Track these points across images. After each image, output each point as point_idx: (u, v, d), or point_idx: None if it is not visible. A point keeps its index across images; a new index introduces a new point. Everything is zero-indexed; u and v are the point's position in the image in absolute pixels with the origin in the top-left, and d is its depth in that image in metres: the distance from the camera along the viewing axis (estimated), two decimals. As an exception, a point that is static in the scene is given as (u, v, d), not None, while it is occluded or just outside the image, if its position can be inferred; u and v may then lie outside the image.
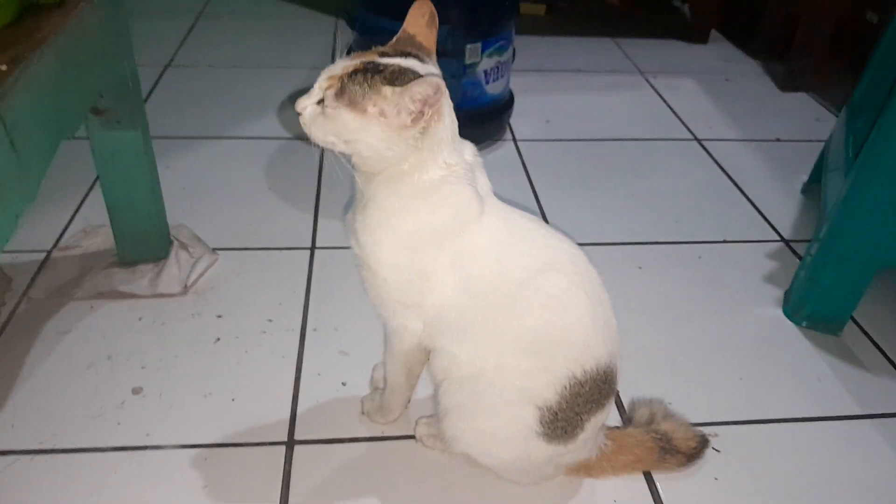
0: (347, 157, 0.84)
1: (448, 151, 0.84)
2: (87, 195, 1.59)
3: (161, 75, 2.21)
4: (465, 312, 0.88)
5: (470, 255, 0.86)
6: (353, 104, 0.78)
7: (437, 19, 0.87)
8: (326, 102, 0.79)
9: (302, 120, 0.82)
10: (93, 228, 1.46)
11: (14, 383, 1.12)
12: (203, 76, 2.25)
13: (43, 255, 1.40)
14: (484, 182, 0.90)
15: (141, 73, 1.22)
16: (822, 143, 1.73)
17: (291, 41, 2.55)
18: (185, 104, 2.06)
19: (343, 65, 0.80)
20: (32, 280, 1.33)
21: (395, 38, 0.86)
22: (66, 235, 1.46)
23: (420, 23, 0.86)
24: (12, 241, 1.38)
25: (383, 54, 0.82)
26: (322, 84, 0.80)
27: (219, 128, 1.93)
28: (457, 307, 0.88)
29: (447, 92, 0.83)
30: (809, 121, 2.19)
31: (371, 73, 0.78)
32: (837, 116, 1.73)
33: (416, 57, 0.83)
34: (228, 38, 2.56)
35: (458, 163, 0.86)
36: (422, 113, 0.78)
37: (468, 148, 0.90)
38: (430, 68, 0.83)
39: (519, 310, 0.86)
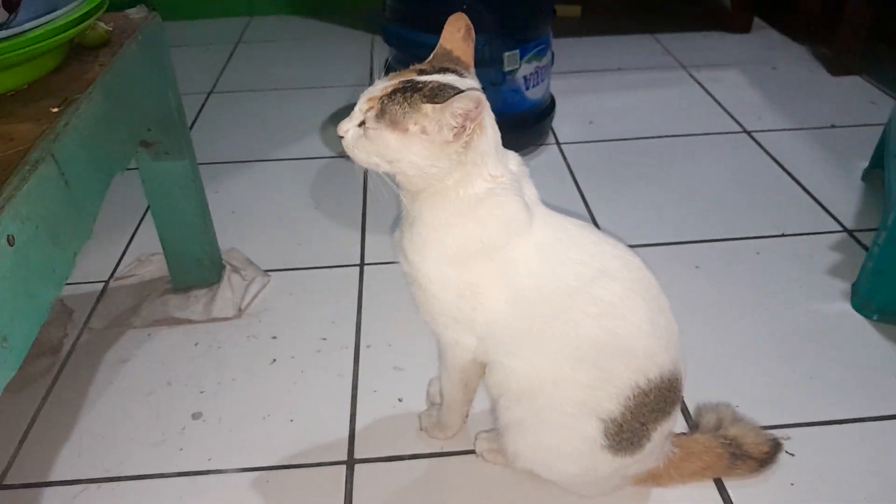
0: (392, 177, 0.84)
1: (492, 163, 0.83)
2: (139, 225, 1.63)
3: (204, 103, 2.26)
4: (519, 325, 0.86)
5: (520, 266, 0.85)
6: (394, 124, 0.78)
7: (473, 32, 0.86)
8: (367, 124, 0.79)
9: (344, 143, 0.82)
10: (147, 257, 1.49)
11: (79, 413, 1.15)
12: (245, 101, 2.29)
13: (100, 285, 1.43)
14: (531, 191, 0.89)
15: (185, 101, 1.24)
16: (880, 127, 1.65)
17: (329, 60, 2.58)
18: (230, 129, 2.10)
19: (382, 86, 0.80)
20: (92, 311, 1.36)
21: (432, 55, 0.86)
22: (122, 265, 1.50)
23: (456, 37, 0.86)
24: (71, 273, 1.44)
25: (421, 72, 0.82)
26: (362, 106, 0.80)
27: (263, 151, 1.96)
28: (509, 320, 0.86)
29: (488, 105, 0.82)
30: (864, 104, 2.10)
31: (410, 92, 0.77)
32: (895, 98, 1.66)
33: (454, 72, 0.82)
34: (268, 62, 2.60)
35: (504, 174, 0.84)
36: (464, 128, 0.77)
37: (513, 158, 0.88)
38: (469, 82, 0.82)
39: (574, 320, 0.84)
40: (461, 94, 0.74)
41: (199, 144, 1.97)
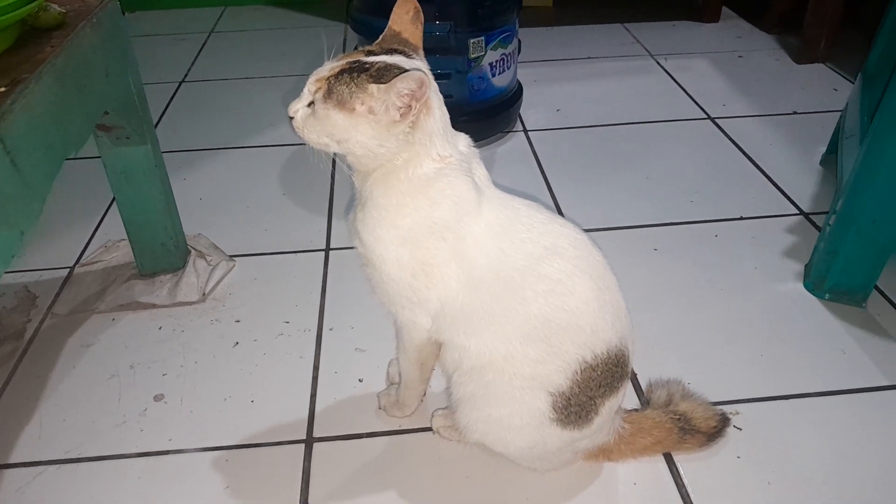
0: (343, 159, 0.85)
1: (441, 144, 0.84)
2: (107, 211, 1.63)
3: (176, 91, 2.25)
4: (471, 303, 0.88)
5: (471, 245, 0.86)
6: (341, 104, 0.79)
7: (421, 15, 0.87)
8: (316, 105, 0.81)
9: (294, 123, 0.83)
10: (113, 243, 1.50)
11: (41, 396, 1.15)
12: (217, 90, 2.29)
13: (66, 271, 1.44)
14: (481, 172, 0.91)
15: (156, 89, 1.25)
16: (840, 113, 1.69)
17: (302, 50, 2.58)
18: (200, 118, 2.10)
19: (330, 66, 0.82)
20: (56, 296, 1.37)
21: (381, 37, 0.87)
22: (88, 251, 1.50)
23: (405, 19, 0.87)
24: (36, 259, 1.44)
25: (369, 53, 0.83)
26: (311, 87, 0.82)
27: (234, 138, 1.97)
28: (462, 299, 0.88)
29: (434, 85, 0.84)
30: (827, 91, 2.14)
31: (357, 73, 0.78)
32: (855, 84, 1.69)
33: (402, 53, 0.84)
34: (240, 52, 2.60)
35: (453, 154, 0.86)
36: (410, 107, 0.78)
37: (462, 139, 0.90)
38: (415, 63, 0.83)
39: (523, 297, 0.86)
40: (405, 74, 0.76)
41: (170, 132, 1.99)
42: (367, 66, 0.79)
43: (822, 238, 1.35)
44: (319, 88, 0.81)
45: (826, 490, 0.99)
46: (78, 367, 1.21)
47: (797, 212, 1.58)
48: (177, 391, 1.16)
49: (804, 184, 1.68)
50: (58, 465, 1.04)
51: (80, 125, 0.95)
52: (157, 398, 1.15)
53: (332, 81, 0.79)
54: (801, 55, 2.32)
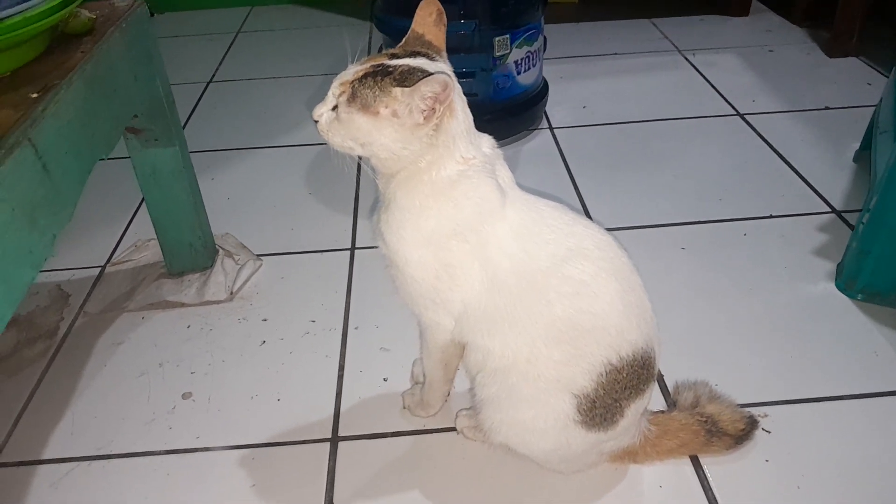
0: (367, 161, 0.86)
1: (464, 145, 0.84)
2: (137, 211, 1.66)
3: (204, 92, 2.28)
4: (494, 305, 0.88)
5: (494, 247, 0.86)
6: (365, 107, 0.79)
7: (444, 17, 0.87)
8: (340, 108, 0.81)
9: (319, 127, 0.84)
10: (143, 243, 1.52)
11: (72, 394, 1.18)
12: (244, 90, 2.31)
13: (97, 270, 1.46)
14: (505, 174, 0.90)
15: (184, 90, 1.27)
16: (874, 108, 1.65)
17: (327, 49, 2.59)
18: (227, 118, 2.12)
19: (354, 70, 0.82)
20: (88, 295, 1.40)
21: (404, 40, 0.87)
22: (119, 251, 1.53)
23: (428, 21, 0.87)
24: (69, 258, 1.47)
25: (393, 56, 0.83)
26: (335, 90, 0.82)
27: (261, 138, 1.98)
28: (485, 300, 0.88)
29: (458, 87, 0.83)
30: (861, 85, 2.10)
31: (380, 76, 0.79)
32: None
33: (425, 56, 0.84)
34: (267, 51, 2.62)
35: (476, 156, 0.86)
36: (433, 110, 0.78)
37: (486, 141, 0.90)
38: (439, 66, 0.83)
39: (547, 299, 0.85)
40: (429, 77, 0.76)
41: (198, 133, 2.02)
42: (391, 69, 0.80)
43: (854, 237, 1.32)
44: (343, 92, 0.81)
45: (857, 496, 0.97)
46: (109, 365, 1.24)
47: (829, 210, 1.55)
48: (205, 389, 1.18)
49: (836, 181, 1.64)
50: (89, 462, 1.06)
51: (109, 129, 0.96)
52: (186, 396, 1.17)
53: (356, 85, 0.80)
54: (833, 49, 2.28)
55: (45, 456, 1.07)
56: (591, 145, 1.86)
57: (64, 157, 0.80)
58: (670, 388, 1.13)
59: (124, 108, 1.04)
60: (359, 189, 1.71)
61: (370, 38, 2.66)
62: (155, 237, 1.41)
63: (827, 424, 1.07)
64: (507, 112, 1.80)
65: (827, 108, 1.98)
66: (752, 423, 1.03)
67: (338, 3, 3.01)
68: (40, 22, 0.84)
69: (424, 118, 0.79)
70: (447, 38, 0.89)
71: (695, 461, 1.02)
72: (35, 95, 0.78)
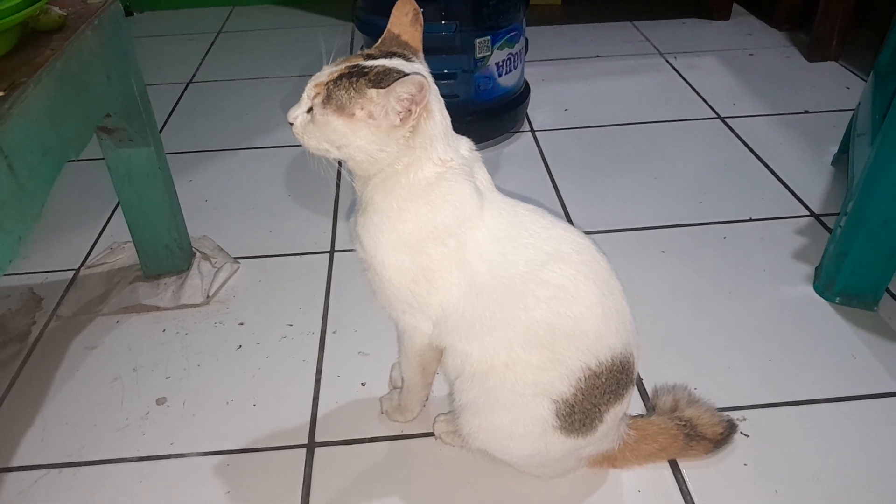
0: (344, 163, 0.84)
1: (442, 147, 0.83)
2: (112, 213, 1.63)
3: (183, 92, 2.25)
4: (472, 309, 0.87)
5: (472, 250, 0.85)
6: (340, 109, 0.78)
7: (420, 17, 0.86)
8: (315, 110, 0.80)
9: (294, 130, 0.83)
10: (118, 245, 1.50)
11: (43, 399, 1.16)
12: (224, 90, 2.29)
13: (71, 273, 1.44)
14: (483, 176, 0.90)
15: (163, 90, 1.25)
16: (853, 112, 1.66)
17: (309, 50, 2.57)
18: (207, 119, 2.09)
19: (328, 71, 0.81)
20: (61, 298, 1.37)
21: (380, 40, 0.86)
22: (94, 254, 1.50)
23: (404, 21, 0.86)
24: (42, 262, 1.44)
25: (368, 56, 0.82)
26: (309, 92, 0.81)
27: (240, 139, 1.96)
28: (463, 304, 0.87)
29: (435, 88, 0.83)
30: (839, 90, 2.11)
31: (356, 77, 0.78)
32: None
33: (401, 56, 0.83)
34: (248, 52, 2.59)
35: (454, 158, 0.85)
36: (409, 111, 0.77)
37: (464, 143, 0.89)
38: (415, 66, 0.82)
39: (525, 303, 0.85)
40: (405, 78, 0.74)
41: (176, 134, 1.99)
42: (366, 70, 0.78)
43: (832, 240, 1.33)
44: (318, 94, 0.80)
45: (835, 499, 0.97)
46: (81, 370, 1.21)
47: (808, 213, 1.55)
48: (179, 394, 1.16)
49: (815, 184, 1.65)
50: (59, 469, 1.04)
51: (80, 129, 0.94)
52: (160, 401, 1.15)
53: (331, 87, 0.78)
54: (813, 53, 2.29)
55: (14, 463, 1.05)
56: (572, 148, 1.86)
57: (31, 156, 0.78)
58: (649, 392, 1.13)
59: (96, 108, 1.02)
60: (339, 191, 1.69)
61: (352, 37, 2.65)
62: (131, 240, 1.39)
63: (805, 428, 1.07)
64: (488, 114, 1.79)
65: (806, 111, 2.00)
66: (731, 427, 1.02)
67: (320, 4, 3.00)
68: (7, 18, 0.82)
69: (401, 120, 0.78)
70: (428, 38, 0.88)
71: (674, 465, 1.02)
72: (1, 94, 0.76)
